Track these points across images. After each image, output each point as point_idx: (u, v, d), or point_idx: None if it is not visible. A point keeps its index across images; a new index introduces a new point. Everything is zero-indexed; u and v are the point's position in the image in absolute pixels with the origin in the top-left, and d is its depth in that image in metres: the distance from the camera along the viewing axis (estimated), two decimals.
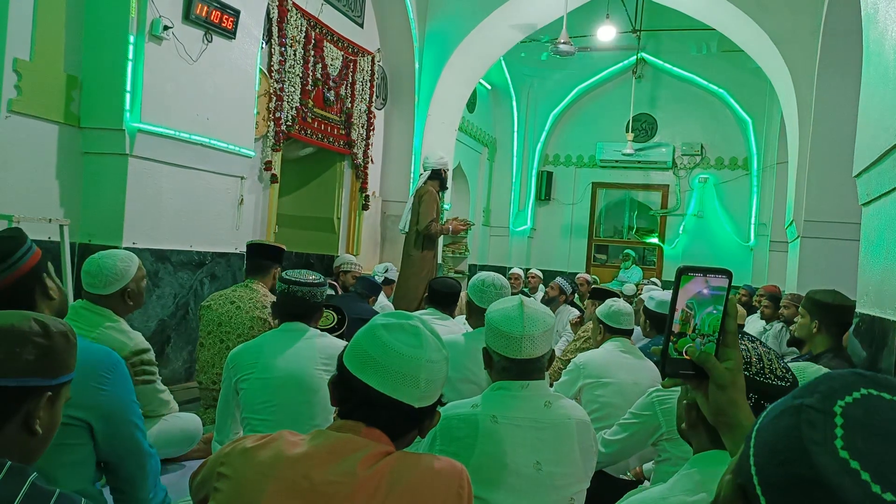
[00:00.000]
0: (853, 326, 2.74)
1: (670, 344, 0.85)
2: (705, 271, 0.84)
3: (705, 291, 0.84)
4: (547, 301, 5.50)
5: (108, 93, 3.54)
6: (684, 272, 0.84)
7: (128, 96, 3.53)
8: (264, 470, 1.06)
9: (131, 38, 3.52)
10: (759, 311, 5.61)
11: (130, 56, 3.52)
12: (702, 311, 0.84)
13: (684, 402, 1.22)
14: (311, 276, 2.28)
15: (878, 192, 2.58)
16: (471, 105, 9.45)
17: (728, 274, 0.84)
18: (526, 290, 7.14)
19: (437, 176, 5.61)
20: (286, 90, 5.13)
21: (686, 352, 0.85)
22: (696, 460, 1.19)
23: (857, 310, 2.73)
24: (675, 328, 0.85)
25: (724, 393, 0.84)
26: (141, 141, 3.59)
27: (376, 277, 4.56)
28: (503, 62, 9.76)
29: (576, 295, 6.21)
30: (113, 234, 3.59)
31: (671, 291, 0.86)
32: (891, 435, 0.47)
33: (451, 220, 5.70)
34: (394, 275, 4.47)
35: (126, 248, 3.57)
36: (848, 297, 2.78)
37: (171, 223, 3.88)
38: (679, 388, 1.32)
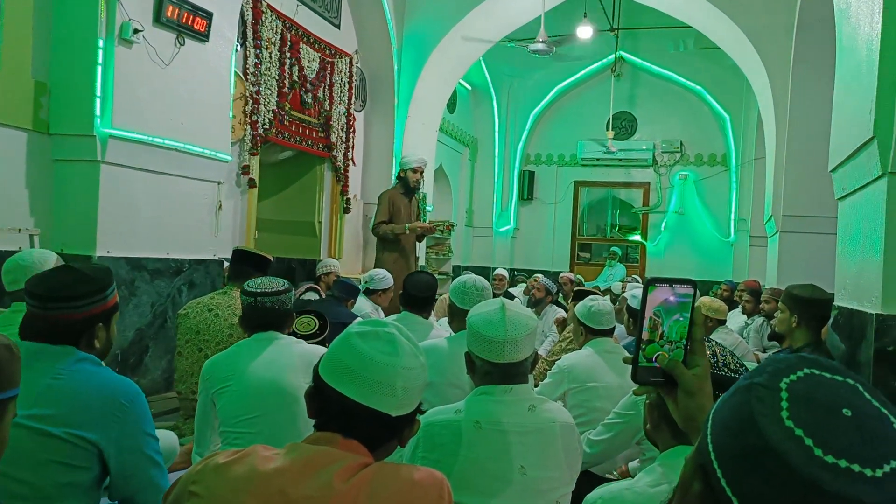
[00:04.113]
0: (832, 320, 2.76)
1: (640, 352, 0.88)
2: (671, 282, 0.87)
3: (671, 299, 0.87)
4: (534, 303, 5.49)
5: (77, 98, 3.47)
6: (651, 283, 0.87)
7: (98, 101, 3.46)
8: (238, 486, 1.03)
9: (100, 42, 3.45)
10: (740, 306, 5.65)
11: (100, 60, 3.45)
12: (669, 318, 0.87)
13: (647, 402, 1.25)
14: (276, 284, 2.22)
15: (854, 186, 2.60)
16: (451, 106, 9.44)
17: (693, 284, 0.87)
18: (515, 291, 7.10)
19: (401, 178, 5.66)
20: (262, 93, 5.08)
21: (656, 360, 0.87)
22: (661, 456, 1.24)
23: (836, 303, 2.75)
24: (644, 336, 0.88)
25: (692, 399, 0.87)
26: (113, 147, 3.52)
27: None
28: (482, 62, 9.75)
29: (560, 294, 6.20)
30: (86, 242, 3.52)
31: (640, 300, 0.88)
32: (831, 407, 0.52)
33: (417, 224, 5.67)
34: (375, 284, 4.37)
35: (101, 257, 3.52)
36: (826, 290, 2.79)
37: (147, 230, 3.81)
38: None
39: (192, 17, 3.88)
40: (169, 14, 3.72)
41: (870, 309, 2.29)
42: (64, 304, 1.54)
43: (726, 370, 1.25)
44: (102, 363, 1.63)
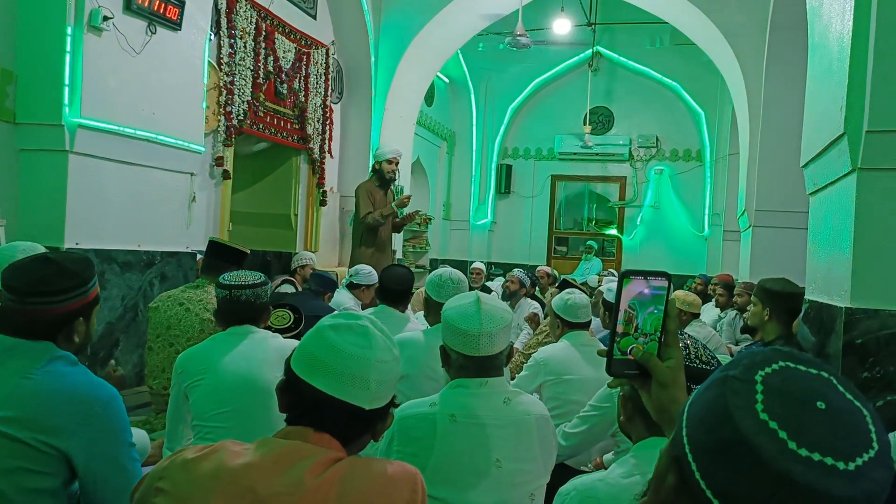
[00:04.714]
0: (803, 313, 2.80)
1: (615, 345, 0.88)
2: (646, 274, 0.87)
3: (646, 291, 0.87)
4: (508, 295, 5.51)
5: (45, 87, 3.38)
6: (626, 275, 0.87)
7: (66, 90, 3.37)
8: (206, 483, 1.01)
9: (69, 30, 3.36)
10: (713, 300, 5.73)
11: (68, 48, 3.36)
12: (643, 311, 0.87)
13: (621, 394, 1.26)
14: (251, 277, 2.20)
15: (825, 181, 2.64)
16: (429, 98, 9.40)
17: (667, 276, 0.88)
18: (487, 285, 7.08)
19: (376, 170, 5.64)
20: (237, 83, 5.00)
21: (630, 352, 0.87)
22: (634, 448, 1.24)
23: (806, 297, 2.79)
24: (619, 328, 0.88)
25: (665, 391, 0.87)
26: (82, 137, 3.44)
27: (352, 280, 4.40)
28: (460, 55, 9.72)
29: (536, 288, 6.22)
30: (54, 234, 3.44)
31: (615, 293, 0.88)
32: (805, 400, 0.53)
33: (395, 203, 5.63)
34: (360, 279, 4.33)
35: (69, 249, 3.44)
36: (797, 284, 2.84)
37: (117, 222, 3.73)
38: None
39: (163, 4, 3.80)
40: (140, 2, 3.63)
41: (839, 302, 2.32)
42: (43, 298, 1.47)
43: (698, 362, 1.26)
44: (78, 360, 1.58)
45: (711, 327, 4.87)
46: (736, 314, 5.12)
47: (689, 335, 1.30)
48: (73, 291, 1.50)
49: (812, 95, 2.89)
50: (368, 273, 4.33)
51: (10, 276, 1.49)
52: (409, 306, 3.63)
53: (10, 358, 1.44)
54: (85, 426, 1.43)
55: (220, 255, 3.08)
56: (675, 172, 10.61)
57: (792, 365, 0.55)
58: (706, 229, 10.24)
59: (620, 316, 0.87)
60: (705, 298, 6.04)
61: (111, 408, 1.48)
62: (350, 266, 5.32)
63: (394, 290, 2.98)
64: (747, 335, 4.61)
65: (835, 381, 0.55)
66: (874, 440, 0.52)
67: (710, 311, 5.57)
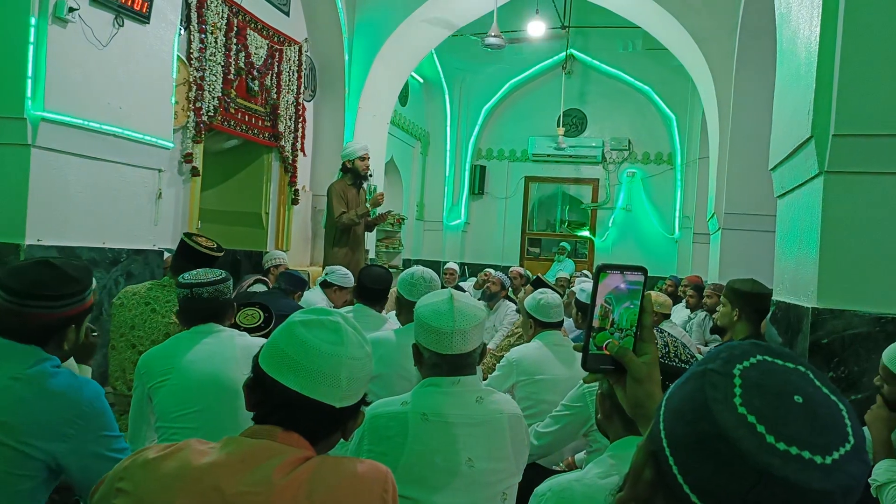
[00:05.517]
0: (770, 313, 2.85)
1: (590, 339, 0.87)
2: (622, 268, 0.86)
3: (622, 286, 0.86)
4: (489, 296, 5.53)
5: (6, 79, 3.27)
6: (602, 269, 0.86)
7: (29, 83, 3.26)
8: (169, 483, 0.98)
9: (33, 21, 3.25)
10: (684, 301, 5.81)
11: (32, 40, 3.26)
12: (619, 306, 0.86)
13: (599, 392, 1.25)
14: (212, 274, 2.15)
15: (792, 184, 2.69)
16: (403, 98, 9.36)
17: (643, 270, 0.87)
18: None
19: (348, 169, 5.56)
20: (207, 79, 4.91)
21: (605, 347, 0.86)
22: (611, 447, 1.23)
23: (774, 297, 2.84)
24: (595, 323, 0.87)
25: (641, 386, 0.86)
26: (45, 130, 3.33)
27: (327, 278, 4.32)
28: (435, 55, 9.71)
29: (510, 289, 6.25)
30: (15, 230, 3.32)
31: (591, 288, 0.88)
32: (783, 394, 0.53)
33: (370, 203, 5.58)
34: (333, 278, 4.26)
35: (30, 245, 3.34)
36: (765, 285, 2.88)
37: (82, 218, 3.63)
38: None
39: None
40: None
41: (806, 303, 2.37)
42: (41, 303, 1.45)
43: (677, 360, 1.26)
44: (62, 365, 1.54)
45: (681, 328, 4.94)
46: (705, 315, 5.20)
47: (668, 333, 1.30)
48: (72, 298, 1.50)
49: (780, 100, 2.94)
50: (344, 275, 4.28)
51: (10, 277, 1.47)
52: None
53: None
54: (75, 428, 1.43)
55: (190, 259, 2.89)
56: (646, 175, 10.75)
57: (769, 359, 0.55)
58: (676, 232, 10.39)
59: (596, 311, 0.86)
60: (676, 299, 6.12)
61: (96, 406, 1.49)
62: (324, 266, 5.26)
63: (372, 290, 2.96)
64: (717, 335, 4.69)
65: (811, 376, 0.55)
66: (850, 434, 0.52)
67: (680, 312, 5.64)
